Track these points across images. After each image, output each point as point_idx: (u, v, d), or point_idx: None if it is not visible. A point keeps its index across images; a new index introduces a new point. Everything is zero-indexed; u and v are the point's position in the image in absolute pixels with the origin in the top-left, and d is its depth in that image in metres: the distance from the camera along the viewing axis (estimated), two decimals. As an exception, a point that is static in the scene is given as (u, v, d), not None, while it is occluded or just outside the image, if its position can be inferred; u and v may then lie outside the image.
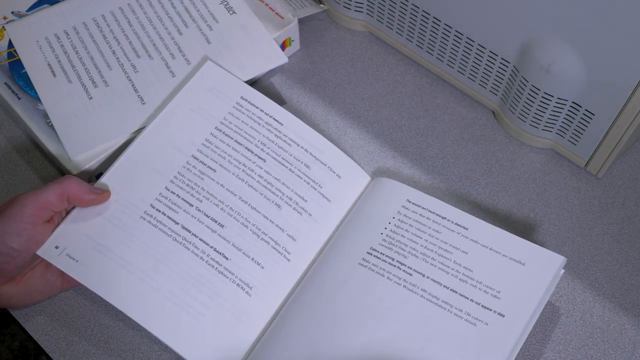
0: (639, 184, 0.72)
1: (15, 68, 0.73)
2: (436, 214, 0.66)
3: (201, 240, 0.63)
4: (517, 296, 0.61)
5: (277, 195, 0.66)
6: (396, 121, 0.76)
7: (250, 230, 0.64)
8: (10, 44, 0.74)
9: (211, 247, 0.63)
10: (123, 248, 0.61)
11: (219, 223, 0.64)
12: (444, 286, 0.62)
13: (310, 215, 0.66)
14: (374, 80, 0.78)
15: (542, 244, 0.68)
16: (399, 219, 0.66)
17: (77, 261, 0.60)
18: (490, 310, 0.61)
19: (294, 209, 0.66)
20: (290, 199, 0.66)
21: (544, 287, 0.61)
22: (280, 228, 0.65)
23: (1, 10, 0.77)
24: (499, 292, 0.62)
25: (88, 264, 0.60)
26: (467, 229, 0.65)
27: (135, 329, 0.64)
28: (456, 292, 0.62)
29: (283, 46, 0.78)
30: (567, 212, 0.70)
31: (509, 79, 0.71)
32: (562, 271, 0.63)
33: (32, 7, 0.77)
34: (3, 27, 0.75)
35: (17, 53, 0.74)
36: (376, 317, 0.61)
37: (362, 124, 0.76)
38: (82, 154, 0.68)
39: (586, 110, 0.67)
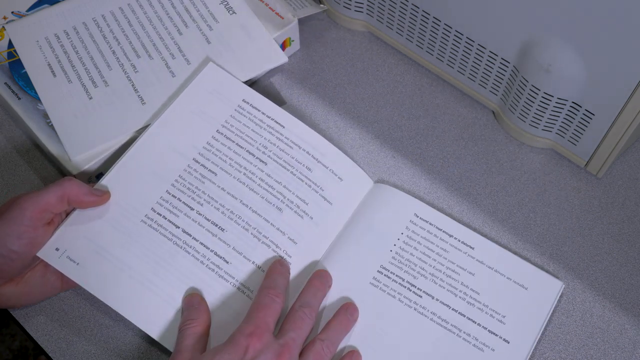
0: (639, 184, 0.72)
1: (15, 68, 0.73)
2: (443, 231, 0.67)
3: (202, 244, 0.63)
4: (521, 322, 0.62)
5: (279, 199, 0.66)
6: (396, 121, 0.76)
7: (251, 233, 0.64)
8: (10, 44, 0.74)
9: (212, 251, 0.63)
10: (123, 251, 0.61)
11: (220, 227, 0.64)
12: (453, 309, 0.63)
13: (312, 218, 0.66)
14: (374, 80, 0.78)
15: (542, 244, 0.68)
16: (407, 235, 0.66)
17: (77, 264, 0.60)
18: (496, 335, 0.62)
19: (295, 212, 0.66)
20: (292, 202, 0.66)
21: (546, 313, 0.63)
22: (281, 231, 0.64)
23: (1, 10, 0.77)
24: (504, 316, 0.62)
25: (88, 267, 0.60)
26: (473, 248, 0.66)
27: (135, 330, 0.64)
28: (464, 316, 0.62)
29: (283, 46, 0.77)
30: (567, 212, 0.70)
31: (509, 79, 0.70)
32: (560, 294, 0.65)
33: (32, 7, 0.77)
34: (3, 27, 0.75)
35: (17, 53, 0.74)
36: (389, 341, 0.61)
37: (362, 124, 0.75)
38: (82, 154, 0.68)
39: (586, 110, 0.66)
